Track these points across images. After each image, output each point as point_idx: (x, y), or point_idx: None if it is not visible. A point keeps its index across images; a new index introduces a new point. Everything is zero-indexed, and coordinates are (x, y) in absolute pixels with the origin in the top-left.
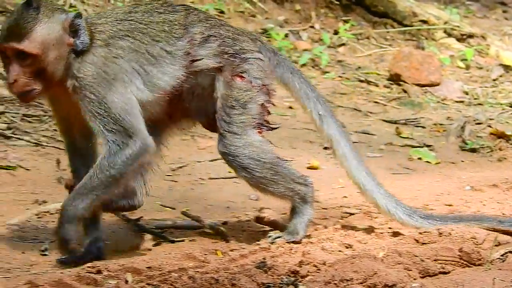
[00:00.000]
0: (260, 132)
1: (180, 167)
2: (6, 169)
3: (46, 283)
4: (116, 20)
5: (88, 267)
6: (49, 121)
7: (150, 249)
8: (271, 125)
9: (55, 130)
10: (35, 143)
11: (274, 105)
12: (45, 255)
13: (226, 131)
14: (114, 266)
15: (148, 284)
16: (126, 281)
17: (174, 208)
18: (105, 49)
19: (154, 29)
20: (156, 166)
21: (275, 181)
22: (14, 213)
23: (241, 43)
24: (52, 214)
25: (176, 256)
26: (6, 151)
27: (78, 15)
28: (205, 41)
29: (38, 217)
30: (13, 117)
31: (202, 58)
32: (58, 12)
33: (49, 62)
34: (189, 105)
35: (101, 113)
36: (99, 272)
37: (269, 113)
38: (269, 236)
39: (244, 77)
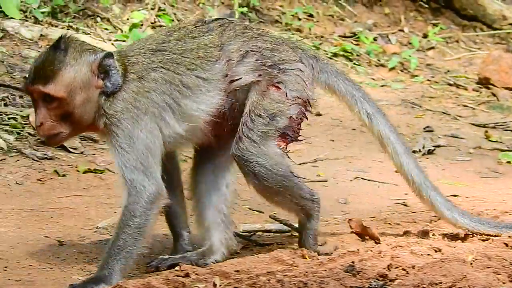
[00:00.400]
0: (285, 142)
1: None
2: (95, 172)
3: (134, 286)
4: (150, 51)
5: (176, 270)
6: None
7: (238, 253)
8: (298, 137)
9: None
10: None
11: (306, 118)
12: None
13: (245, 136)
14: (202, 269)
15: (236, 287)
16: (214, 285)
17: (262, 212)
18: (138, 83)
19: (188, 57)
20: None
21: (282, 194)
22: (102, 216)
23: (280, 53)
24: None
25: (264, 259)
26: (94, 154)
27: (109, 55)
28: (243, 58)
29: None
30: None
31: (241, 77)
32: (87, 53)
33: (76, 105)
34: (233, 122)
35: (125, 147)
36: (187, 275)
37: (299, 125)
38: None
39: (280, 88)
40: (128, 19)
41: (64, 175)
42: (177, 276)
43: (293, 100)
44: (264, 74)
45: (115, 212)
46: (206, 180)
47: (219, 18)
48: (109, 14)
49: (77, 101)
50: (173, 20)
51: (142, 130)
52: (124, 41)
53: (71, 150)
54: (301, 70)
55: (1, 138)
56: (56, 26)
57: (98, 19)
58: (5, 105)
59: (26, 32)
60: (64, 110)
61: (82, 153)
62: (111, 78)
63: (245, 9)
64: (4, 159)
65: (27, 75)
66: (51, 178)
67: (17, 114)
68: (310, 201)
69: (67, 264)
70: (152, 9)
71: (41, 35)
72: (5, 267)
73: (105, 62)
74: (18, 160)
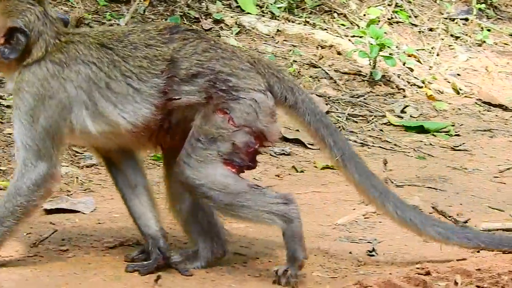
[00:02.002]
0: (234, 168)
1: (508, 169)
2: (333, 169)
3: (375, 284)
4: (97, 44)
5: (417, 268)
6: (375, 121)
7: (478, 251)
8: (251, 165)
9: (381, 130)
10: (361, 143)
11: (258, 148)
12: (372, 255)
13: (182, 161)
14: (443, 267)
15: (477, 286)
16: (456, 283)
17: (502, 211)
18: (59, 67)
19: (129, 64)
20: None
21: (246, 206)
22: (341, 213)
23: (239, 80)
24: (378, 215)
25: (506, 258)
26: None
27: (24, 33)
28: (192, 77)
29: (365, 218)
30: (339, 116)
31: (181, 97)
32: (15, 13)
33: None
34: (179, 137)
35: (24, 123)
36: (428, 273)
37: (250, 154)
38: (277, 273)
39: (227, 113)
40: (364, 15)
41: (302, 171)
42: (418, 274)
43: (238, 127)
44: (214, 97)
45: (354, 209)
46: None
47: (189, 30)
48: (345, 9)
49: None
50: (409, 16)
51: (43, 112)
52: (361, 37)
53: (309, 146)
54: (256, 101)
55: None
56: (293, 22)
57: (335, 14)
58: None
59: (262, 27)
60: None
61: (319, 149)
62: (9, 47)
63: (483, 6)
64: None
65: None
66: (289, 174)
67: None
68: (283, 204)
69: (308, 261)
70: (389, 5)
71: (278, 30)
72: (244, 263)
73: (14, 33)
74: None
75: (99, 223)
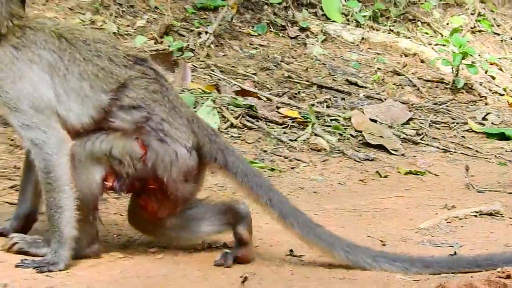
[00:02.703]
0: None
1: None
2: (415, 174)
3: (457, 286)
4: (57, 34)
5: (498, 271)
6: (457, 128)
7: None
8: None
9: (463, 137)
10: (443, 149)
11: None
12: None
13: None
14: None
15: None
16: None
17: None
18: (18, 52)
19: (88, 67)
20: None
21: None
22: (423, 217)
23: (171, 128)
24: (461, 219)
25: None
26: (415, 156)
27: None
28: (131, 108)
29: (448, 222)
30: (421, 123)
31: (115, 121)
32: None
33: None
34: None
35: (12, 107)
36: (508, 277)
37: (132, 187)
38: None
39: (144, 146)
40: (448, 23)
41: (385, 176)
42: (499, 277)
43: (144, 163)
44: (142, 131)
45: (436, 214)
46: None
47: (152, 68)
48: (429, 18)
49: None
50: (492, 26)
51: (22, 92)
52: (444, 45)
53: (392, 152)
54: (176, 154)
55: (324, 139)
56: (377, 30)
57: (419, 23)
58: (327, 106)
59: (347, 35)
60: None
61: (403, 155)
62: None
63: None
64: (327, 160)
65: None
66: (373, 179)
67: (339, 116)
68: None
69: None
70: (472, 14)
71: (363, 38)
72: (329, 265)
73: None
74: (340, 161)
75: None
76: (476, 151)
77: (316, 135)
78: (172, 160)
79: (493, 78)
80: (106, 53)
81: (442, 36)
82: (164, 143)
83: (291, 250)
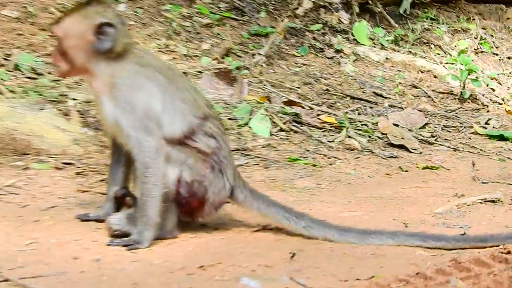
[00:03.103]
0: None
1: None
2: (431, 169)
3: (467, 260)
4: (165, 64)
5: (500, 248)
6: (464, 131)
7: None
8: None
9: (469, 138)
10: (454, 148)
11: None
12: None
13: None
14: None
15: None
16: None
17: None
18: (139, 67)
19: (186, 95)
20: None
21: None
22: (438, 204)
23: (228, 167)
24: (469, 205)
25: None
26: (430, 154)
27: (110, 24)
28: (209, 136)
29: (458, 207)
30: (435, 127)
31: (197, 142)
32: (97, 16)
33: (70, 48)
34: None
35: (126, 108)
36: (509, 252)
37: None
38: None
39: (209, 168)
40: (455, 46)
41: (406, 171)
42: (501, 253)
43: (201, 180)
44: (212, 156)
45: (448, 201)
46: None
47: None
48: (440, 42)
49: (70, 43)
50: (492, 47)
51: (139, 99)
52: (452, 63)
53: (412, 150)
54: (224, 187)
55: (356, 140)
56: (398, 51)
57: (432, 46)
58: (359, 114)
59: (374, 55)
60: (62, 48)
61: (420, 153)
62: (102, 41)
63: None
64: (359, 157)
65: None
66: (396, 173)
67: (368, 121)
68: None
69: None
70: (475, 38)
71: (386, 58)
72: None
73: (104, 28)
74: (369, 158)
75: (246, 212)
76: (480, 149)
77: (349, 137)
78: (219, 189)
79: (493, 90)
80: (195, 90)
81: (451, 56)
82: (220, 174)
83: None
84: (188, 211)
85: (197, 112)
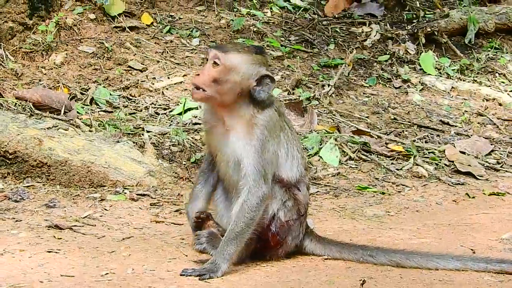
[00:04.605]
0: None
1: None
2: (497, 195)
3: None
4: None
5: None
6: None
7: None
8: None
9: None
10: None
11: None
12: None
13: None
14: None
15: None
16: None
17: None
18: (279, 115)
19: (299, 147)
20: None
21: None
22: (505, 229)
23: (305, 218)
24: None
25: None
26: (496, 180)
27: (271, 78)
28: (307, 187)
29: None
30: (501, 154)
31: (300, 192)
32: (262, 66)
33: (229, 81)
34: None
35: (258, 151)
36: None
37: None
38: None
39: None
40: None
41: (473, 197)
42: None
43: (289, 221)
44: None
45: None
46: None
47: None
48: (505, 70)
49: (232, 79)
50: None
51: (272, 145)
52: None
53: (478, 177)
54: (298, 235)
55: (423, 168)
56: (464, 80)
57: (496, 74)
58: (426, 142)
59: (440, 84)
60: (219, 77)
61: (487, 180)
62: (260, 90)
63: None
64: (426, 185)
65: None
66: (463, 200)
67: (435, 149)
68: None
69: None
70: None
71: (452, 87)
72: (429, 269)
73: (265, 79)
74: (437, 185)
75: None
76: None
77: (417, 165)
78: (295, 237)
79: None
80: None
81: None
82: (300, 223)
83: None
84: (265, 247)
85: (305, 163)
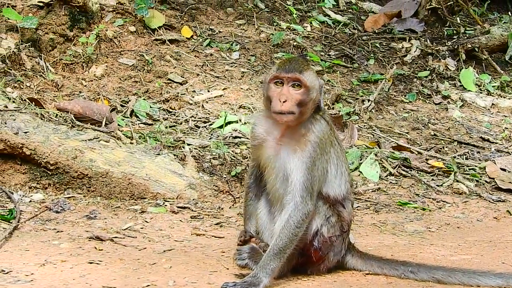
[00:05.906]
0: None
1: None
2: None
3: None
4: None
5: None
6: None
7: None
8: None
9: None
10: None
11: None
12: None
13: None
14: None
15: None
16: None
17: None
18: (329, 130)
19: (346, 165)
20: None
21: None
22: None
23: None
24: None
25: None
26: None
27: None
28: (351, 204)
29: None
30: None
31: (344, 209)
32: (318, 75)
33: (311, 98)
34: None
35: (308, 167)
36: None
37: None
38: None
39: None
40: None
41: None
42: None
43: (331, 237)
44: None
45: None
46: None
47: None
48: None
49: (311, 95)
50: None
51: (322, 162)
52: None
53: None
54: (340, 252)
55: (464, 184)
56: (504, 97)
57: None
58: (466, 158)
59: (480, 101)
60: (303, 97)
61: None
62: (321, 100)
63: None
64: (467, 201)
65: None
66: (504, 216)
67: (475, 166)
68: None
69: None
70: None
71: (492, 104)
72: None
73: (323, 87)
74: (478, 202)
75: None
76: None
77: (457, 181)
78: (337, 253)
79: None
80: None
81: None
82: (343, 240)
83: None
84: (307, 262)
85: (351, 179)
